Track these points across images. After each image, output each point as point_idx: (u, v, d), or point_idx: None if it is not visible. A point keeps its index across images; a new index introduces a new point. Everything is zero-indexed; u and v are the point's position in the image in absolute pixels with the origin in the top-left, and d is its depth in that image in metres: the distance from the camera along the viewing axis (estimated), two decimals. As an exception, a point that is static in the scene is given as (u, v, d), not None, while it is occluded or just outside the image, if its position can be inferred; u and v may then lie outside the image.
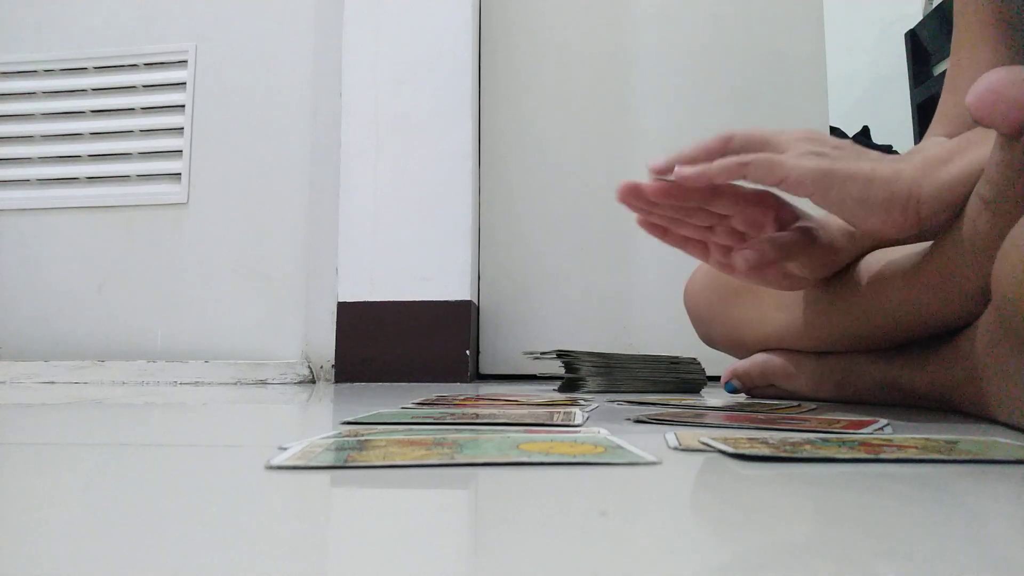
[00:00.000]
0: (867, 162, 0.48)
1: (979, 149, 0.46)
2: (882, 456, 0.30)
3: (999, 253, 0.41)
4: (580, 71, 1.47)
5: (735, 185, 0.53)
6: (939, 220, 0.48)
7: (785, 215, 0.55)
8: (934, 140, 0.62)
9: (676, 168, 0.48)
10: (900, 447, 0.32)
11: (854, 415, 0.50)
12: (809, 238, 0.55)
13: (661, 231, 0.55)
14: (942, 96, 0.63)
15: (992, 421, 0.48)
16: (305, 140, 1.43)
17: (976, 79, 0.37)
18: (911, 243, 0.54)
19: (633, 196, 0.51)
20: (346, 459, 0.29)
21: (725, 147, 0.48)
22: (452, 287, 1.31)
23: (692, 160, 0.48)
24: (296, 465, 0.28)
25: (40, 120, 1.51)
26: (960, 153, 0.48)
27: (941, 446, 0.33)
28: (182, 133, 1.46)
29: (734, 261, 0.51)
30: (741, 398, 0.74)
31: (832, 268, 0.59)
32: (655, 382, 0.90)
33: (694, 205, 0.53)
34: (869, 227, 0.49)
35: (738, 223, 0.54)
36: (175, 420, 0.56)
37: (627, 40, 1.47)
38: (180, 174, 1.46)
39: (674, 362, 0.92)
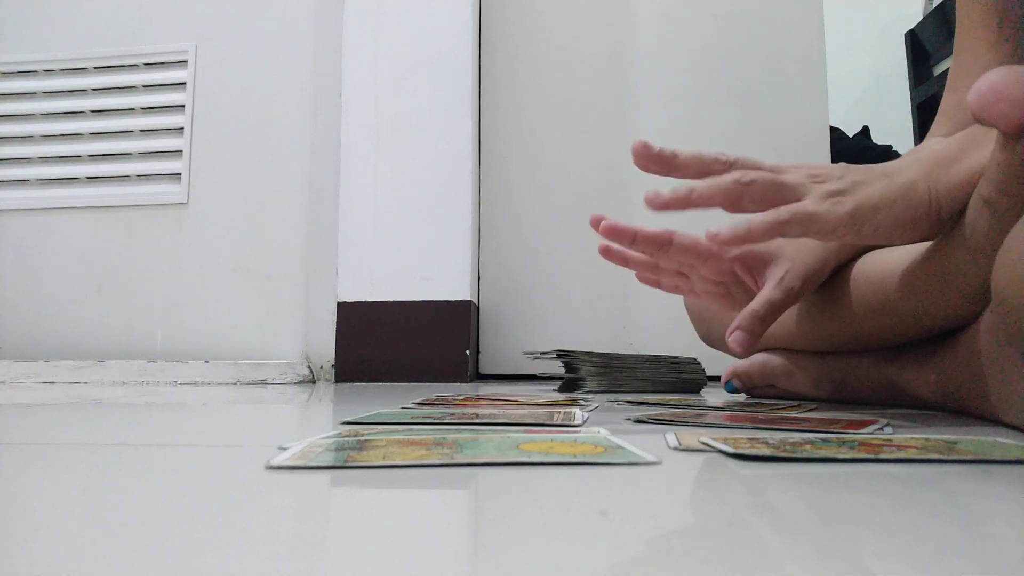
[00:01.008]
0: (879, 184, 0.47)
1: (988, 146, 0.46)
2: (882, 456, 0.30)
3: (999, 253, 0.41)
4: (580, 71, 1.47)
5: (693, 241, 0.57)
6: (955, 219, 0.48)
7: (753, 260, 0.59)
8: (936, 140, 0.62)
9: (710, 233, 0.47)
10: (900, 447, 0.32)
11: (854, 415, 0.50)
12: (787, 294, 0.56)
13: (622, 259, 0.61)
14: (944, 96, 0.63)
15: (992, 421, 0.48)
16: (305, 140, 1.43)
17: (978, 78, 0.37)
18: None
19: (613, 235, 0.57)
20: (346, 459, 0.29)
21: (736, 187, 0.47)
22: (452, 287, 1.31)
23: (695, 168, 0.49)
24: (296, 465, 0.28)
25: (40, 120, 1.51)
26: (968, 150, 0.48)
27: (941, 446, 0.33)
28: (182, 133, 1.46)
29: (730, 345, 0.54)
30: (741, 398, 0.74)
31: (821, 280, 0.60)
32: (655, 382, 0.90)
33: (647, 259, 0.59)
34: (900, 243, 0.50)
35: (707, 273, 0.59)
36: (175, 420, 0.56)
37: (627, 40, 1.47)
38: (180, 174, 1.46)
39: (674, 362, 0.92)
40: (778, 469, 0.28)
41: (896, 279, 0.54)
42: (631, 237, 0.57)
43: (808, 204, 0.46)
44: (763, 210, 0.47)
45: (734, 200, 0.47)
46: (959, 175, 0.47)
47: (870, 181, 0.47)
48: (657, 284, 0.63)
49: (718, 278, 0.61)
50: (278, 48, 1.46)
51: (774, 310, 0.55)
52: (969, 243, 0.45)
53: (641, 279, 0.62)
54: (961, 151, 0.48)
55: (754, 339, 0.53)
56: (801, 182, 0.47)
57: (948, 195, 0.47)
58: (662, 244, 0.58)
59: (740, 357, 0.59)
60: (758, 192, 0.47)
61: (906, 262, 0.53)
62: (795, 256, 0.58)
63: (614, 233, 0.57)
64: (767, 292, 0.56)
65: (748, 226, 0.46)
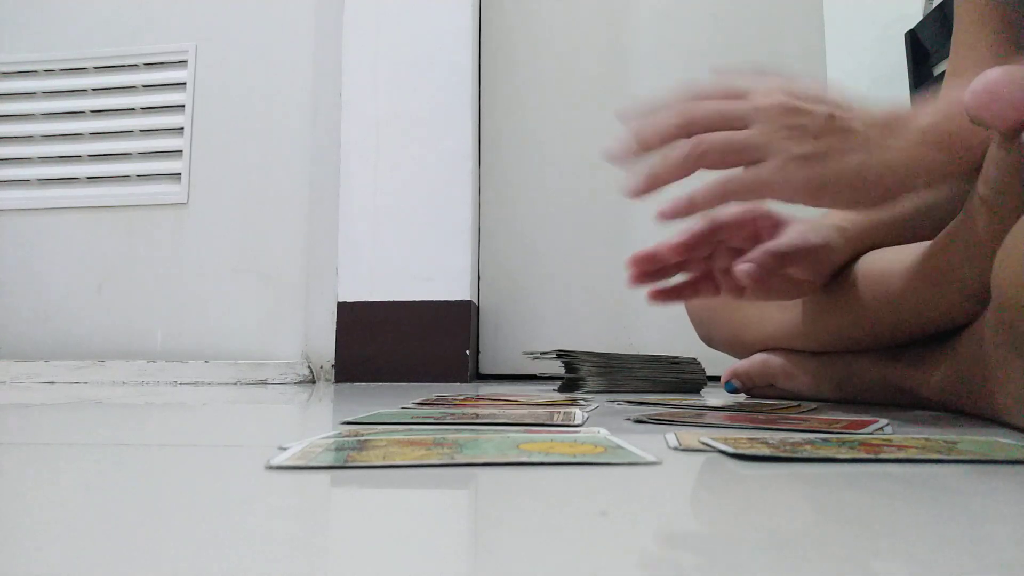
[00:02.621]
0: (856, 158, 0.44)
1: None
2: (882, 456, 0.30)
3: (998, 254, 0.41)
4: (580, 71, 1.47)
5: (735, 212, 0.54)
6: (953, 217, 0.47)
7: (776, 222, 0.56)
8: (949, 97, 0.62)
9: (658, 212, 0.45)
10: (900, 447, 0.32)
11: (854, 415, 0.50)
12: (804, 240, 0.55)
13: (675, 294, 0.56)
14: (945, 82, 0.63)
15: (992, 421, 0.48)
16: (305, 140, 1.43)
17: (976, 73, 0.37)
18: (907, 237, 0.55)
19: (647, 263, 0.52)
20: (346, 459, 0.29)
21: (689, 161, 0.44)
22: (452, 287, 1.31)
23: (654, 135, 0.45)
24: (296, 465, 0.28)
25: (40, 120, 1.51)
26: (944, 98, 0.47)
27: (941, 446, 0.33)
28: (182, 133, 1.46)
29: (737, 274, 0.50)
30: (741, 398, 0.74)
31: (832, 267, 0.59)
32: (655, 382, 0.89)
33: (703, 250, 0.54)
34: (866, 210, 0.48)
35: (736, 242, 0.55)
36: (175, 420, 0.56)
37: (627, 40, 1.47)
38: (180, 174, 1.46)
39: (674, 362, 0.92)
40: (778, 469, 0.28)
41: (897, 278, 0.54)
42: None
43: (763, 170, 0.43)
44: (733, 166, 0.44)
45: (692, 170, 0.45)
46: (933, 111, 0.45)
47: (850, 150, 0.44)
48: (676, 296, 0.56)
49: (742, 245, 0.56)
50: (278, 48, 1.46)
51: (787, 251, 0.53)
52: (969, 242, 0.45)
53: (657, 298, 0.56)
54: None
55: (762, 275, 0.50)
56: (766, 141, 0.44)
57: (931, 124, 0.45)
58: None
59: (747, 297, 0.53)
60: (715, 159, 0.44)
61: (907, 261, 0.53)
62: (816, 224, 0.58)
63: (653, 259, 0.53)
64: (785, 236, 0.54)
65: (690, 197, 0.44)
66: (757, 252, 0.51)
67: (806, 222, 0.57)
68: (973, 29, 0.59)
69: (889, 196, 0.46)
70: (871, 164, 0.44)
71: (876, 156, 0.45)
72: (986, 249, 0.43)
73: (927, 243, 0.51)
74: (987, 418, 0.49)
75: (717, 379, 0.80)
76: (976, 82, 0.36)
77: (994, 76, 0.36)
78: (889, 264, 0.55)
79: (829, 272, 0.59)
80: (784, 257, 0.53)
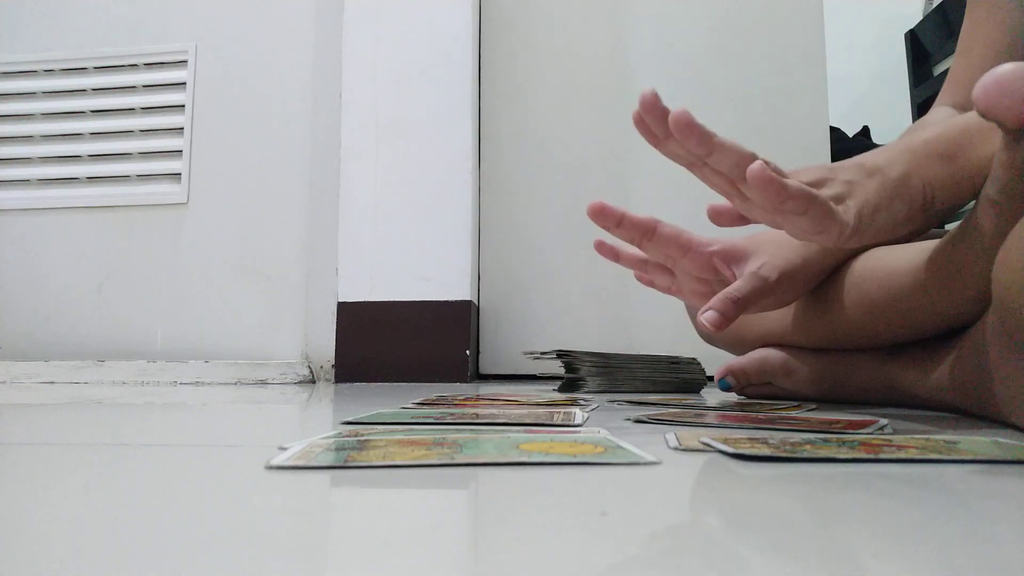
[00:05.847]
0: (873, 182, 0.45)
1: (983, 145, 0.46)
2: (882, 456, 0.30)
3: (999, 255, 0.41)
4: (580, 71, 1.47)
5: (676, 232, 0.57)
6: (948, 212, 0.48)
7: (732, 254, 0.58)
8: (930, 125, 0.62)
9: (750, 170, 0.40)
10: (900, 447, 0.32)
11: (854, 415, 0.50)
12: (762, 283, 0.55)
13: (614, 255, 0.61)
14: (954, 60, 0.63)
15: (993, 421, 0.48)
16: (305, 140, 1.43)
17: (988, 42, 0.37)
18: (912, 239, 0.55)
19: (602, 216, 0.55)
20: (346, 459, 0.29)
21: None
22: (452, 287, 1.31)
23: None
24: (296, 465, 0.28)
25: (40, 120, 1.51)
26: (964, 148, 0.47)
27: (941, 446, 0.33)
28: (182, 133, 1.46)
29: (700, 325, 0.52)
30: (735, 397, 0.73)
31: (816, 279, 0.60)
32: (655, 382, 0.89)
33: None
34: (892, 241, 0.49)
35: (690, 268, 0.59)
36: (175, 420, 0.56)
37: (627, 40, 1.47)
38: (180, 174, 1.46)
39: (674, 362, 0.92)
40: (778, 469, 0.28)
41: (904, 277, 0.54)
42: (617, 220, 0.55)
43: (830, 205, 0.42)
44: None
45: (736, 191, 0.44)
46: (955, 175, 0.47)
47: (862, 180, 0.46)
48: (652, 283, 0.62)
49: (700, 274, 0.60)
50: (278, 48, 1.46)
51: (747, 297, 0.54)
52: (975, 242, 0.45)
53: (638, 278, 0.62)
54: (957, 148, 0.48)
55: (726, 322, 0.51)
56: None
57: (943, 191, 0.47)
58: (647, 231, 0.56)
59: (711, 335, 0.57)
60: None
61: (914, 261, 0.53)
62: (774, 252, 0.58)
63: (602, 214, 0.55)
64: (743, 280, 0.55)
65: (786, 182, 0.40)
66: (718, 300, 0.52)
67: (763, 255, 0.58)
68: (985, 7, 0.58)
69: (916, 214, 0.47)
70: (888, 184, 0.46)
71: (890, 174, 0.46)
72: (992, 249, 0.43)
73: (933, 242, 0.51)
74: (988, 417, 0.49)
75: (717, 379, 0.80)
76: (985, 77, 0.36)
77: (1004, 72, 0.36)
78: (897, 263, 0.55)
79: (813, 284, 0.61)
80: (745, 303, 0.53)
